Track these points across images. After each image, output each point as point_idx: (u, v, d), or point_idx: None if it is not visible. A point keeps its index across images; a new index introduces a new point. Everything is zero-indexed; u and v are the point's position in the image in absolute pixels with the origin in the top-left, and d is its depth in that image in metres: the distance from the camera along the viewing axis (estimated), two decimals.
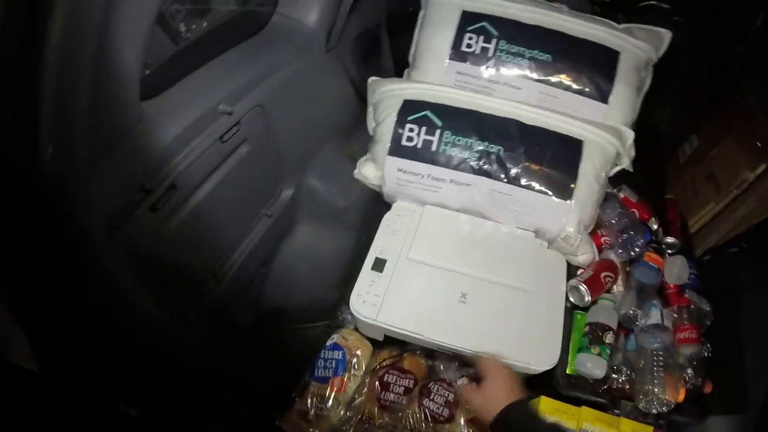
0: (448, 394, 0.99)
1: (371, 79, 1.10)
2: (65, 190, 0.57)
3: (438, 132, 0.99)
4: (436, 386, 1.00)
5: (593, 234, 1.07)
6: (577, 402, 0.91)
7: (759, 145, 1.10)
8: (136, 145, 0.70)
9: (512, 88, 1.06)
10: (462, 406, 0.99)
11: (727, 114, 1.25)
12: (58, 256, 0.61)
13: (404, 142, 1.00)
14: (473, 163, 0.99)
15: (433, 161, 0.99)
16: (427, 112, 1.00)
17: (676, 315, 1.02)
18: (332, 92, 1.08)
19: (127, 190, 0.71)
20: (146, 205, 0.74)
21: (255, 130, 0.90)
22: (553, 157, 0.99)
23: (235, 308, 1.02)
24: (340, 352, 1.01)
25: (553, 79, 1.06)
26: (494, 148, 0.98)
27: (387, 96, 1.04)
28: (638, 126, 1.12)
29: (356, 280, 0.95)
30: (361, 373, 1.01)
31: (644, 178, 1.13)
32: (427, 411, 0.97)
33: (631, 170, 1.07)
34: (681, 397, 0.95)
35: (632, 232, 1.05)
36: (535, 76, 1.06)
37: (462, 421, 0.98)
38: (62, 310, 0.67)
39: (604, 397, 0.95)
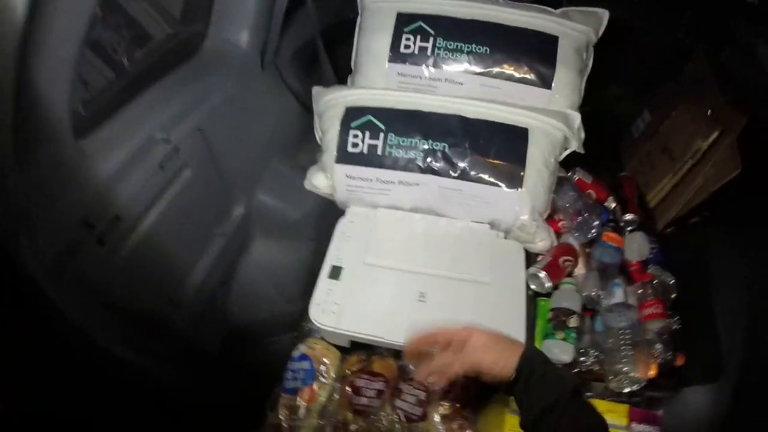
0: (420, 393, 0.99)
1: (314, 89, 1.10)
2: (4, 236, 0.57)
3: (382, 135, 0.99)
4: (407, 386, 1.00)
5: (550, 220, 1.07)
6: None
7: (709, 113, 1.11)
8: (75, 183, 0.71)
9: (454, 84, 1.07)
10: (435, 401, 0.99)
11: (677, 86, 1.26)
12: (8, 300, 0.61)
13: (350, 149, 1.00)
14: (420, 163, 0.99)
15: (380, 165, 0.99)
16: (370, 117, 1.00)
17: (640, 291, 1.02)
18: (274, 108, 1.09)
19: (70, 227, 0.71)
20: (92, 240, 0.74)
21: (196, 154, 0.90)
22: (499, 147, 0.99)
23: (200, 331, 1.02)
24: (308, 362, 1.01)
25: (494, 70, 1.07)
26: (439, 146, 0.99)
27: (330, 105, 1.04)
28: (589, 106, 1.12)
29: (314, 290, 0.94)
30: (331, 380, 1.01)
31: (600, 158, 1.13)
32: (400, 412, 0.97)
33: (583, 152, 1.07)
34: (653, 372, 0.95)
35: (587, 214, 1.05)
36: (475, 69, 1.07)
37: (437, 418, 0.98)
38: (20, 350, 0.66)
39: None
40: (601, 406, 0.92)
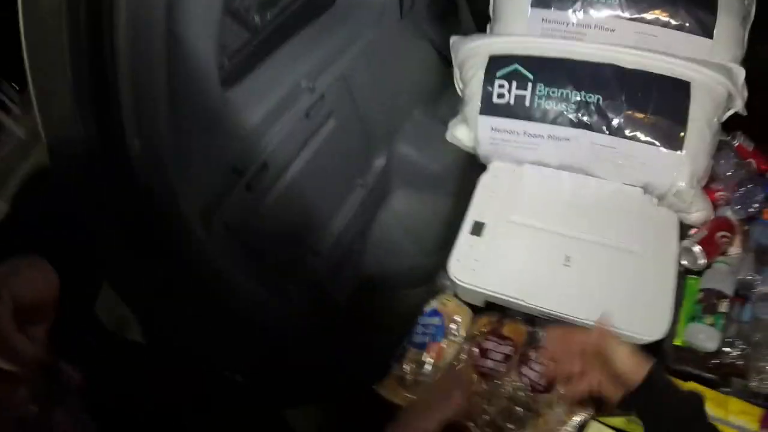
0: (549, 363, 0.95)
1: (453, 38, 1.03)
2: (157, 180, 0.57)
3: (530, 85, 0.92)
4: (535, 354, 0.96)
5: (706, 189, 0.97)
6: (684, 377, 0.84)
7: None
8: (224, 131, 0.72)
9: (605, 31, 0.96)
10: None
11: None
12: (160, 246, 0.62)
13: (495, 100, 0.94)
14: (571, 116, 0.91)
15: (528, 117, 0.93)
16: (516, 66, 0.93)
17: None
18: (414, 57, 1.07)
19: (219, 173, 0.73)
20: (241, 186, 0.75)
21: (340, 103, 0.89)
22: (658, 102, 0.90)
23: (334, 279, 1.03)
24: (439, 318, 1.00)
25: (648, 16, 0.95)
26: (593, 98, 0.90)
27: (471, 54, 0.97)
28: (749, 63, 1.00)
29: (454, 245, 0.92)
30: (460, 339, 0.99)
31: (761, 123, 1.01)
32: (525, 380, 0.94)
33: (745, 113, 0.96)
34: None
35: (750, 186, 0.94)
36: (628, 14, 0.96)
37: (561, 391, 0.94)
38: (169, 294, 0.68)
39: (714, 372, 0.86)
40: (736, 405, 0.84)
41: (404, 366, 0.99)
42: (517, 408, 0.93)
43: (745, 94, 0.97)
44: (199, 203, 0.69)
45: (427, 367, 0.97)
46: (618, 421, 0.88)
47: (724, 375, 0.87)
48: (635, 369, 0.63)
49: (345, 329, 0.98)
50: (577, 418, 0.93)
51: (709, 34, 0.95)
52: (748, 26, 1.01)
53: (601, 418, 0.93)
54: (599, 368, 0.66)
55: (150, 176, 0.55)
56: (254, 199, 0.78)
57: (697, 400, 0.61)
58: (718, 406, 0.83)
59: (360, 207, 0.98)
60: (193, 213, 0.66)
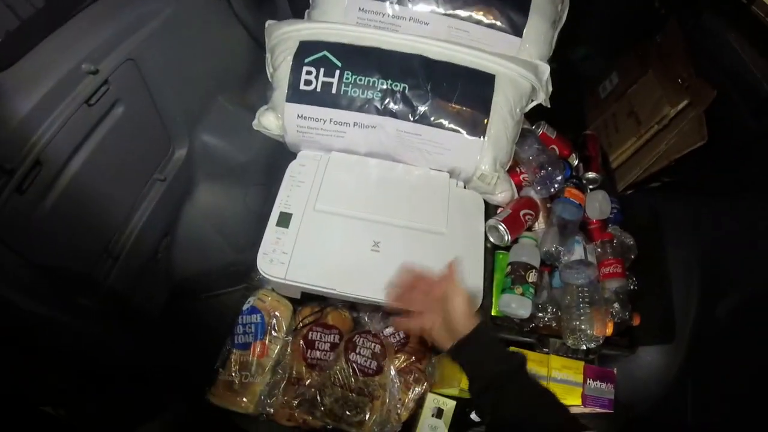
0: (375, 346, 0.96)
1: (268, 22, 1.00)
2: None
3: (337, 73, 0.91)
4: (362, 339, 0.96)
5: (512, 172, 1.03)
6: (505, 344, 0.87)
7: (680, 81, 1.09)
8: None
9: (419, 24, 1.00)
10: (390, 354, 0.96)
11: (647, 51, 1.24)
12: None
13: (302, 87, 0.91)
14: (377, 104, 0.92)
15: (335, 104, 0.91)
16: (325, 53, 0.92)
17: (599, 250, 1.01)
18: (221, 40, 0.98)
19: None
20: (10, 188, 0.65)
21: (128, 87, 0.80)
22: (463, 92, 0.93)
23: (141, 284, 0.93)
24: (258, 315, 0.97)
25: (463, 12, 1.00)
26: (399, 86, 0.92)
27: (282, 39, 0.95)
28: (557, 63, 1.08)
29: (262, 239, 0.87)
30: (283, 334, 0.97)
31: (564, 115, 1.10)
32: (354, 365, 0.93)
33: (548, 106, 1.03)
34: (609, 331, 0.94)
35: (551, 168, 1.01)
36: (443, 10, 1.00)
37: (392, 372, 0.94)
38: None
39: (531, 336, 0.93)
40: (557, 362, 0.91)
41: (231, 370, 0.94)
42: (352, 394, 0.92)
43: (550, 88, 1.04)
44: None
45: (254, 368, 0.93)
46: (452, 390, 0.90)
47: (541, 337, 0.93)
48: (466, 321, 0.65)
49: (162, 340, 0.90)
50: (415, 392, 0.94)
51: (518, 33, 1.02)
52: (558, 29, 1.10)
53: (435, 389, 0.95)
54: (438, 312, 0.67)
55: None
56: (29, 201, 0.68)
57: (520, 358, 0.64)
58: (540, 365, 0.90)
59: (161, 202, 0.90)
60: None
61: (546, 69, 1.03)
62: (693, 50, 1.09)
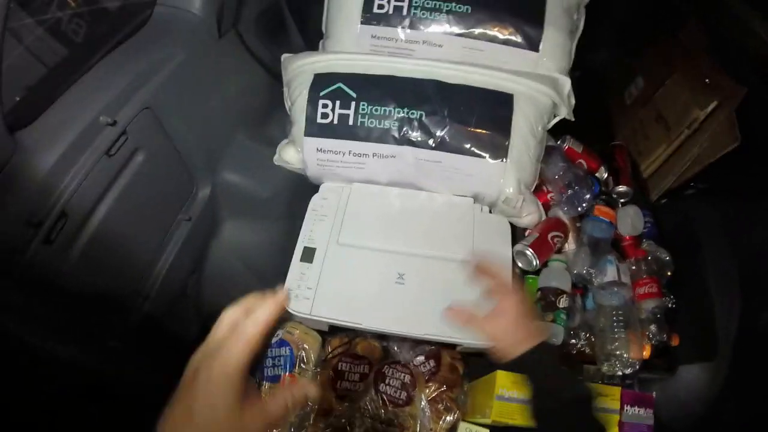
0: (404, 377, 0.95)
1: (284, 56, 1.00)
2: None
3: (353, 104, 0.90)
4: (391, 370, 0.95)
5: (538, 192, 1.00)
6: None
7: (707, 81, 1.04)
8: (14, 179, 0.65)
9: (433, 47, 0.98)
10: (421, 384, 0.95)
11: (671, 52, 1.19)
12: None
13: (320, 120, 0.91)
14: (395, 133, 0.90)
15: (353, 136, 0.91)
16: (340, 84, 0.91)
17: (634, 268, 0.96)
18: (236, 78, 0.99)
19: (12, 228, 0.66)
20: (38, 240, 0.68)
21: (147, 135, 0.82)
22: (480, 115, 0.91)
23: (171, 320, 0.95)
24: (287, 347, 0.96)
25: (476, 31, 0.98)
26: (416, 114, 0.90)
27: (298, 73, 0.94)
28: (579, 71, 1.04)
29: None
30: (312, 365, 0.96)
31: (590, 126, 1.06)
32: (384, 396, 0.92)
33: (573, 119, 1.00)
34: (646, 354, 0.90)
35: (578, 186, 0.97)
36: (455, 30, 0.97)
37: (423, 402, 0.93)
38: None
39: (564, 364, 0.90)
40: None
41: None
42: (382, 425, 0.92)
43: (572, 101, 1.01)
44: None
45: None
46: (484, 420, 0.88)
47: (574, 365, 0.90)
48: (515, 338, 0.63)
49: None
50: (446, 421, 0.92)
51: (535, 48, 0.99)
52: (577, 38, 1.06)
53: (467, 418, 0.93)
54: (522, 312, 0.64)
55: None
56: (56, 253, 0.71)
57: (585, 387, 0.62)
58: None
59: (187, 241, 0.91)
60: None
61: (566, 82, 0.99)
62: (717, 46, 1.03)
